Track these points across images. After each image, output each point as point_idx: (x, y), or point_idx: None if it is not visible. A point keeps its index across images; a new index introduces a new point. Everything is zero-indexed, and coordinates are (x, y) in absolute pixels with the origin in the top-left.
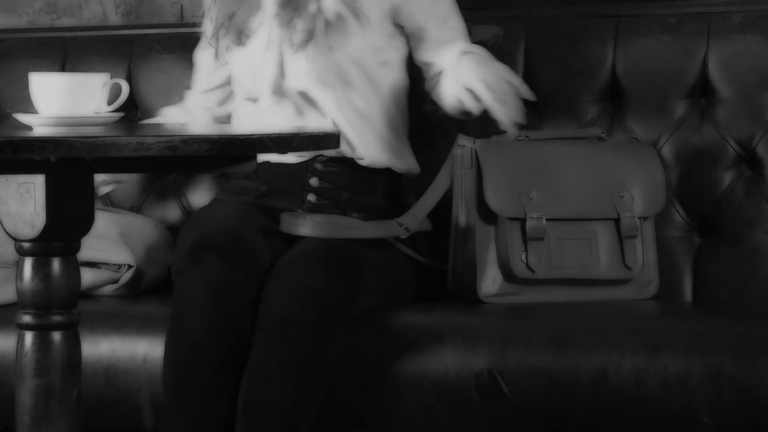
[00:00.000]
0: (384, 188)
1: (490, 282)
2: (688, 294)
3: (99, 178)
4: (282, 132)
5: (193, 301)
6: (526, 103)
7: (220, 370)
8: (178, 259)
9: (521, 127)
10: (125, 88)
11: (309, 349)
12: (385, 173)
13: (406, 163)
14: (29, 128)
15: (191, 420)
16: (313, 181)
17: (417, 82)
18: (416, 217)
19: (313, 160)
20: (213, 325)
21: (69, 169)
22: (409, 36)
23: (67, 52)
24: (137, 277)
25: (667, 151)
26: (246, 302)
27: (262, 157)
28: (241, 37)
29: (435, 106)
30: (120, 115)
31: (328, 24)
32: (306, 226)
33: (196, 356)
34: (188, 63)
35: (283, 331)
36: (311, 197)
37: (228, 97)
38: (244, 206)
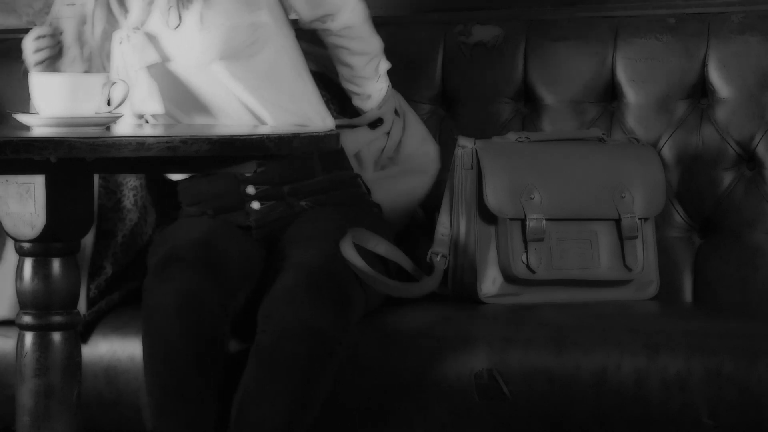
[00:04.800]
0: (321, 163)
1: (491, 282)
2: (688, 294)
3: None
4: (282, 132)
5: (163, 313)
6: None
7: (201, 375)
8: (147, 277)
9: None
10: (125, 88)
11: (300, 382)
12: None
13: (322, 120)
14: (29, 128)
15: (180, 420)
16: (250, 189)
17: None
18: (443, 235)
19: None
20: (185, 332)
21: (69, 169)
22: None
23: None
24: None
25: (667, 152)
26: (216, 306)
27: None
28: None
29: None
30: (120, 115)
31: None
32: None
33: (174, 363)
34: None
35: (275, 365)
36: (254, 205)
37: None
38: (210, 219)
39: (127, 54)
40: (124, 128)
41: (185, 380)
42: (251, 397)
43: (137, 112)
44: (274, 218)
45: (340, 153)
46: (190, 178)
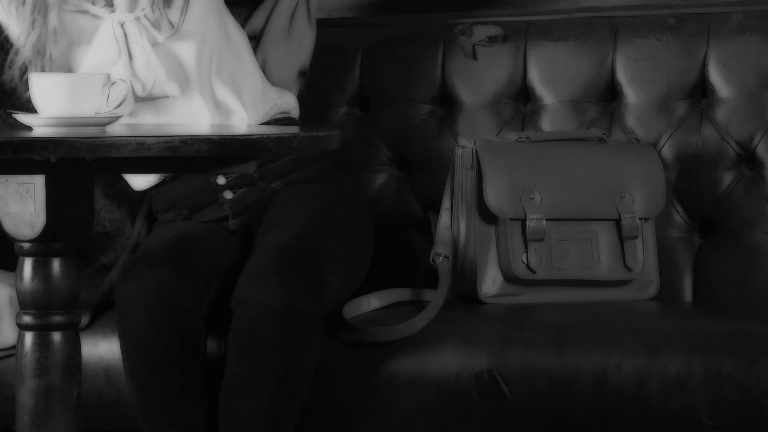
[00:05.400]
0: None
1: (491, 282)
2: (688, 294)
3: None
4: (282, 133)
5: (134, 312)
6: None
7: (178, 370)
8: (117, 279)
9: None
10: (125, 88)
11: (280, 364)
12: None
13: (285, 102)
14: (29, 128)
15: (167, 419)
16: (220, 180)
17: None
18: (444, 236)
19: None
20: (157, 329)
21: (69, 169)
22: None
23: None
24: None
25: (667, 152)
26: (187, 302)
27: (138, 183)
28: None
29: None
30: (120, 115)
31: None
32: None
33: (150, 363)
34: None
35: (253, 349)
36: (227, 195)
37: None
38: (181, 223)
39: (133, 35)
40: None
41: (162, 377)
42: (234, 388)
43: (153, 95)
44: (249, 204)
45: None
46: (160, 184)
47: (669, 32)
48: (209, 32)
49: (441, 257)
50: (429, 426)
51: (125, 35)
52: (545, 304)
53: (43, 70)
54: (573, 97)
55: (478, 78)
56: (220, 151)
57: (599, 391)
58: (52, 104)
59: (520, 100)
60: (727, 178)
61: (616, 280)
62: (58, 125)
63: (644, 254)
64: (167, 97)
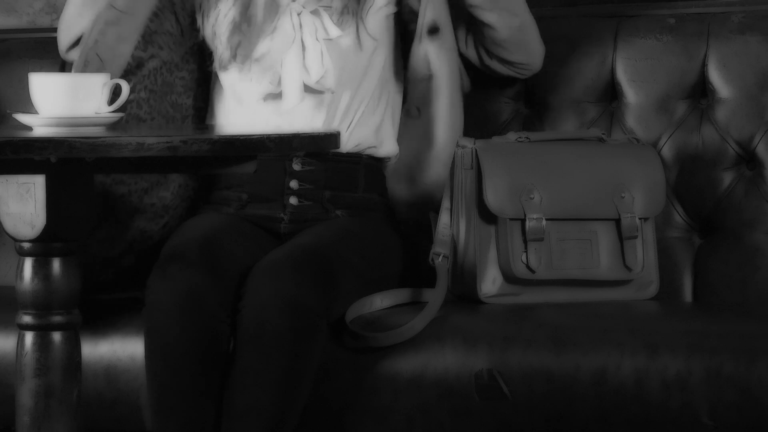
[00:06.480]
0: (365, 181)
1: (491, 282)
2: (688, 294)
3: None
4: (282, 132)
5: (163, 312)
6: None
7: (200, 373)
8: (150, 275)
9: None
10: (125, 88)
11: (284, 357)
12: (364, 164)
13: (391, 145)
14: (29, 128)
15: (179, 420)
16: (293, 184)
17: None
18: (444, 236)
19: (290, 159)
20: (184, 331)
21: (69, 169)
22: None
23: None
24: None
25: (667, 151)
26: (216, 306)
27: None
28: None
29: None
30: (120, 115)
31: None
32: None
33: (173, 363)
34: None
35: (258, 341)
36: (293, 200)
37: None
38: (223, 216)
39: (307, 26)
40: (291, 101)
41: (183, 379)
42: (238, 380)
43: (317, 87)
44: (308, 218)
45: (382, 179)
46: None
47: (669, 32)
48: (380, 38)
49: (440, 257)
50: (429, 426)
51: (300, 25)
52: (545, 304)
53: (236, 56)
54: (573, 97)
55: (478, 78)
56: (220, 151)
57: (599, 391)
58: (52, 104)
59: (520, 100)
60: (727, 178)
61: (616, 280)
62: (58, 125)
63: (644, 254)
64: (329, 90)
